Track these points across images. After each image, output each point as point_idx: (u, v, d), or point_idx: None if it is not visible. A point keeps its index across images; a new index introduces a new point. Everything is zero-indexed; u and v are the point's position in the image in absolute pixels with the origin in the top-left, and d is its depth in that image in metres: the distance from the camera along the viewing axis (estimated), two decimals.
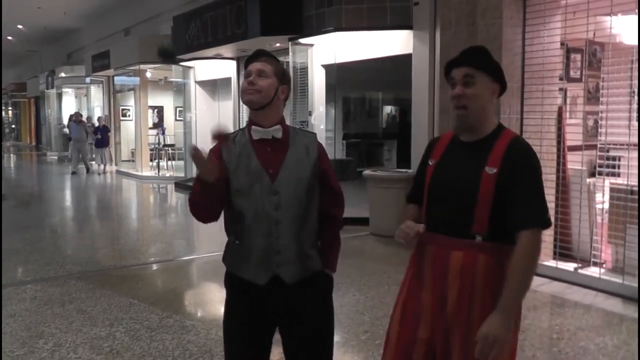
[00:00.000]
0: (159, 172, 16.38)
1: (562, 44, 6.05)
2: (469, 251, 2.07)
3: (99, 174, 17.05)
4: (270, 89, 2.30)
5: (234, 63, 12.60)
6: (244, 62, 2.63)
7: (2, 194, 11.31)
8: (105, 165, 17.60)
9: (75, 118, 18.06)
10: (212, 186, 2.19)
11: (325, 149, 2.50)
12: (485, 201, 2.03)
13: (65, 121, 23.11)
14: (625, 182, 5.40)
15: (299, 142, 2.39)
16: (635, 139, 5.36)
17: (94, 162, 18.27)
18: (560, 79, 6.17)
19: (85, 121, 19.22)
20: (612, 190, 5.60)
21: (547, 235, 5.97)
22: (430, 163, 2.25)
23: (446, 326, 2.12)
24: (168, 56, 3.16)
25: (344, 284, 5.54)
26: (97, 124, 18.86)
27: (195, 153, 2.12)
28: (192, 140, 14.18)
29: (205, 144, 2.42)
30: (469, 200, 2.05)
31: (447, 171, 2.18)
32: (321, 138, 10.09)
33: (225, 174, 2.28)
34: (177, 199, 12.91)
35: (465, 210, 2.06)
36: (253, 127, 2.34)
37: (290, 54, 9.95)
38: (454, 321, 2.09)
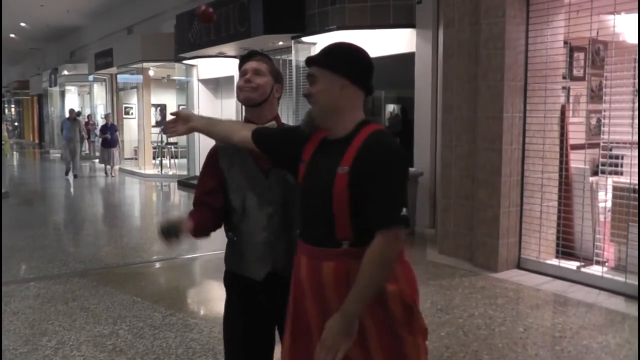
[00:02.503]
0: (161, 170, 16.38)
1: (565, 42, 6.04)
2: (339, 260, 1.94)
3: (106, 175, 16.22)
4: (266, 86, 2.36)
5: (236, 61, 12.59)
6: None
7: (3, 192, 11.34)
8: (112, 167, 16.40)
9: (70, 115, 16.74)
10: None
11: None
12: (341, 204, 1.90)
13: None
14: (628, 181, 5.40)
15: None
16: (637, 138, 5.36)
17: (86, 163, 17.87)
18: (564, 77, 6.17)
19: (80, 119, 18.58)
20: (614, 188, 5.59)
21: (550, 234, 5.99)
22: (303, 163, 2.10)
23: None
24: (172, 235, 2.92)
25: None
26: (103, 122, 17.38)
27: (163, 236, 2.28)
28: (195, 138, 14.18)
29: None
30: (326, 203, 1.92)
31: (311, 172, 2.05)
32: None
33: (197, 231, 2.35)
34: (179, 197, 12.92)
35: (325, 216, 1.94)
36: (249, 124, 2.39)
37: (293, 52, 9.95)
38: None
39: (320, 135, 2.12)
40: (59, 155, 24.18)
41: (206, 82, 14.47)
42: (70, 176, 15.78)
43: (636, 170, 5.27)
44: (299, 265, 2.07)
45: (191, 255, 7.14)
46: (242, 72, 2.38)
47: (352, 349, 1.91)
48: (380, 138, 1.96)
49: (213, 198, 2.39)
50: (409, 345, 1.96)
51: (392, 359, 1.95)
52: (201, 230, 2.34)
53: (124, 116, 19.71)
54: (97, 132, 18.64)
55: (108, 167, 16.37)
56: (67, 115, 16.93)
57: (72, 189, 14.15)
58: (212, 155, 2.43)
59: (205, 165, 2.46)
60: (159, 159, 16.82)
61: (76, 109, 24.81)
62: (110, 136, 16.20)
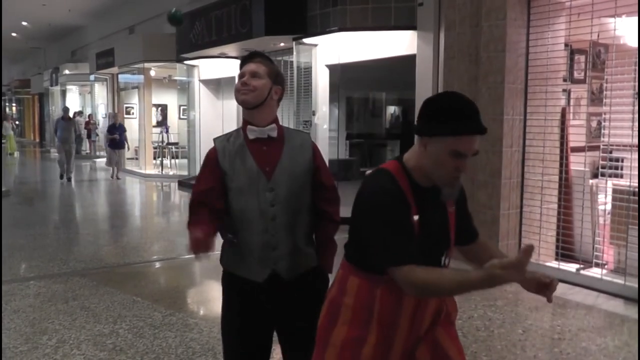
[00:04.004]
0: (162, 170, 16.39)
1: (566, 45, 6.06)
2: None
3: (112, 178, 15.39)
4: (263, 89, 2.35)
5: (238, 62, 12.62)
6: None
7: (3, 191, 11.35)
8: (118, 170, 15.46)
9: (64, 114, 15.05)
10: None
11: (318, 147, 2.55)
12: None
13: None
14: (628, 183, 5.41)
15: (293, 140, 2.45)
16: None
17: (86, 163, 17.70)
18: (564, 80, 6.18)
19: (81, 118, 17.97)
20: (614, 191, 5.60)
21: (549, 236, 6.00)
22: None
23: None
24: (177, 22, 3.06)
25: None
26: (109, 122, 16.17)
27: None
28: (195, 139, 14.20)
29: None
30: (450, 240, 2.18)
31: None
32: (324, 138, 10.11)
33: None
34: (180, 197, 12.92)
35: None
36: (249, 127, 2.39)
37: (295, 53, 9.96)
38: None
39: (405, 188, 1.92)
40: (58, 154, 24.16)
41: (207, 83, 14.48)
42: (65, 179, 14.79)
43: (636, 173, 5.28)
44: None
45: (191, 255, 7.14)
46: (240, 75, 2.38)
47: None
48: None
49: (211, 198, 2.37)
50: None
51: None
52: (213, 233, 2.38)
53: (125, 116, 19.72)
54: (98, 132, 18.47)
55: (115, 169, 15.43)
56: (62, 114, 15.33)
57: (72, 189, 14.14)
58: (212, 156, 2.42)
59: (204, 166, 2.45)
60: (160, 159, 16.83)
61: (77, 109, 24.88)
62: (119, 137, 15.10)
